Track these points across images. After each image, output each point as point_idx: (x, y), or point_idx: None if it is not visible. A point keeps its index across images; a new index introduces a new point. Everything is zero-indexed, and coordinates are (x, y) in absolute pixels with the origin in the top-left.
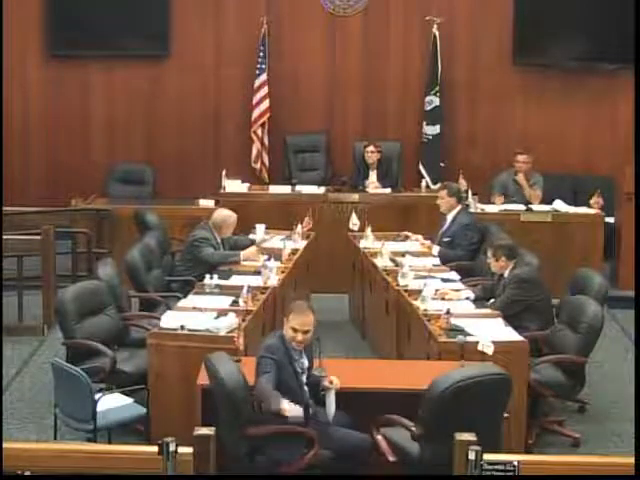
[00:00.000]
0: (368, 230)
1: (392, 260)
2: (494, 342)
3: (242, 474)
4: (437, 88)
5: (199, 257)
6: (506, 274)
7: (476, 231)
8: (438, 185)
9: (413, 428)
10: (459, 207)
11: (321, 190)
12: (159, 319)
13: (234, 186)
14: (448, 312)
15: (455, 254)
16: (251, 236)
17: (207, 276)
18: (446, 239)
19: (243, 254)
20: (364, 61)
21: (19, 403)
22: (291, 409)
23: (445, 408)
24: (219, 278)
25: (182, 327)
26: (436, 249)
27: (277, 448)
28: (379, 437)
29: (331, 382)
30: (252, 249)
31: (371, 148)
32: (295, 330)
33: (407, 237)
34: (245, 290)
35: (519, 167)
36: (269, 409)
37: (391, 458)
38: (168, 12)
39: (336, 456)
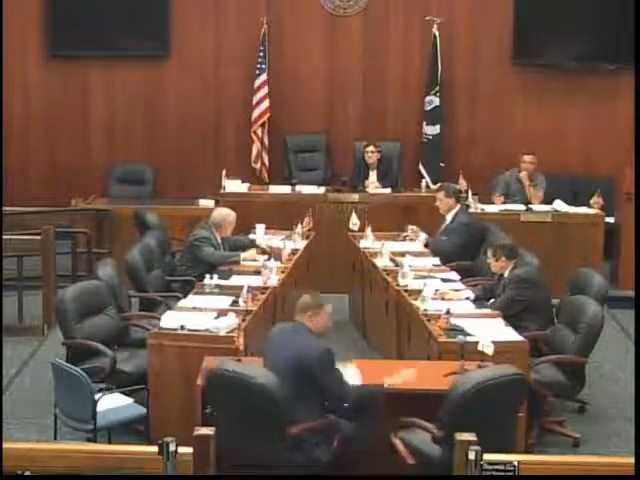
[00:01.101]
0: (368, 230)
1: (392, 260)
2: (494, 342)
3: (244, 474)
4: (437, 88)
5: (199, 257)
6: (506, 274)
7: (474, 231)
8: (438, 185)
9: (434, 430)
10: (458, 207)
11: (321, 190)
12: (159, 319)
13: (234, 186)
14: (448, 312)
15: (443, 246)
16: (251, 236)
17: (207, 276)
18: (444, 238)
19: (243, 256)
20: (364, 61)
21: (19, 403)
22: None
23: (467, 409)
24: (219, 278)
25: (182, 327)
26: (422, 236)
27: (312, 444)
28: (397, 441)
29: None
30: (252, 251)
31: (371, 148)
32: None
33: (413, 232)
34: (245, 290)
35: (525, 167)
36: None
37: (410, 461)
38: (168, 12)
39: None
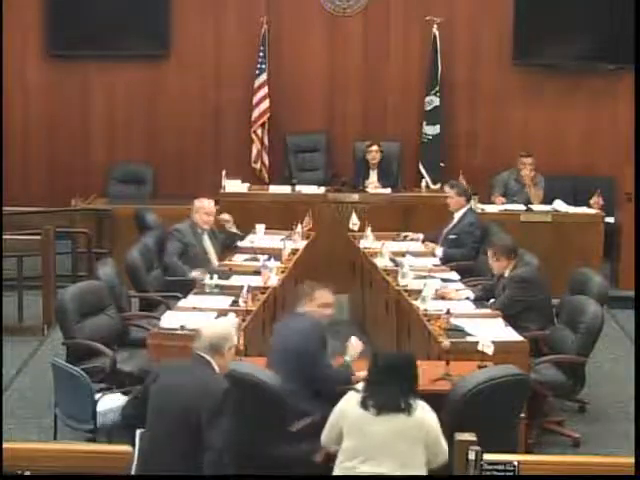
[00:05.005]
0: (368, 230)
1: (392, 260)
2: (494, 342)
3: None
4: (437, 88)
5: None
6: (506, 274)
7: (480, 230)
8: (438, 185)
9: None
10: (468, 206)
11: (321, 190)
12: (159, 319)
13: (234, 186)
14: (448, 312)
15: (461, 253)
16: (251, 236)
17: (207, 276)
18: (452, 236)
19: (193, 274)
20: (364, 61)
21: (19, 403)
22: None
23: (469, 410)
24: (219, 278)
25: (182, 327)
26: (440, 250)
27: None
28: None
29: None
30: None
31: (375, 147)
32: (327, 305)
33: (406, 237)
34: (245, 290)
35: (525, 170)
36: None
37: None
38: (168, 12)
39: None
